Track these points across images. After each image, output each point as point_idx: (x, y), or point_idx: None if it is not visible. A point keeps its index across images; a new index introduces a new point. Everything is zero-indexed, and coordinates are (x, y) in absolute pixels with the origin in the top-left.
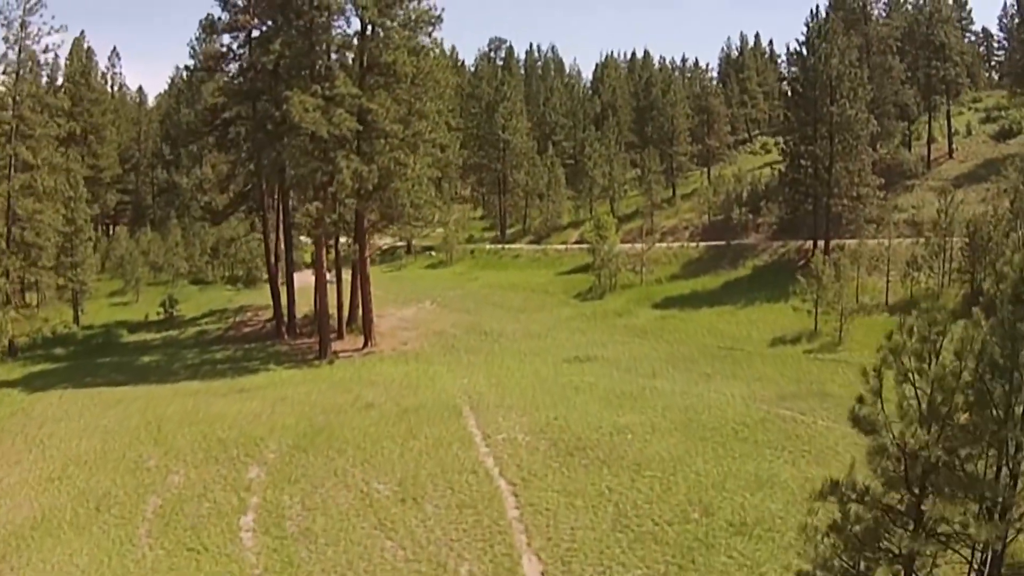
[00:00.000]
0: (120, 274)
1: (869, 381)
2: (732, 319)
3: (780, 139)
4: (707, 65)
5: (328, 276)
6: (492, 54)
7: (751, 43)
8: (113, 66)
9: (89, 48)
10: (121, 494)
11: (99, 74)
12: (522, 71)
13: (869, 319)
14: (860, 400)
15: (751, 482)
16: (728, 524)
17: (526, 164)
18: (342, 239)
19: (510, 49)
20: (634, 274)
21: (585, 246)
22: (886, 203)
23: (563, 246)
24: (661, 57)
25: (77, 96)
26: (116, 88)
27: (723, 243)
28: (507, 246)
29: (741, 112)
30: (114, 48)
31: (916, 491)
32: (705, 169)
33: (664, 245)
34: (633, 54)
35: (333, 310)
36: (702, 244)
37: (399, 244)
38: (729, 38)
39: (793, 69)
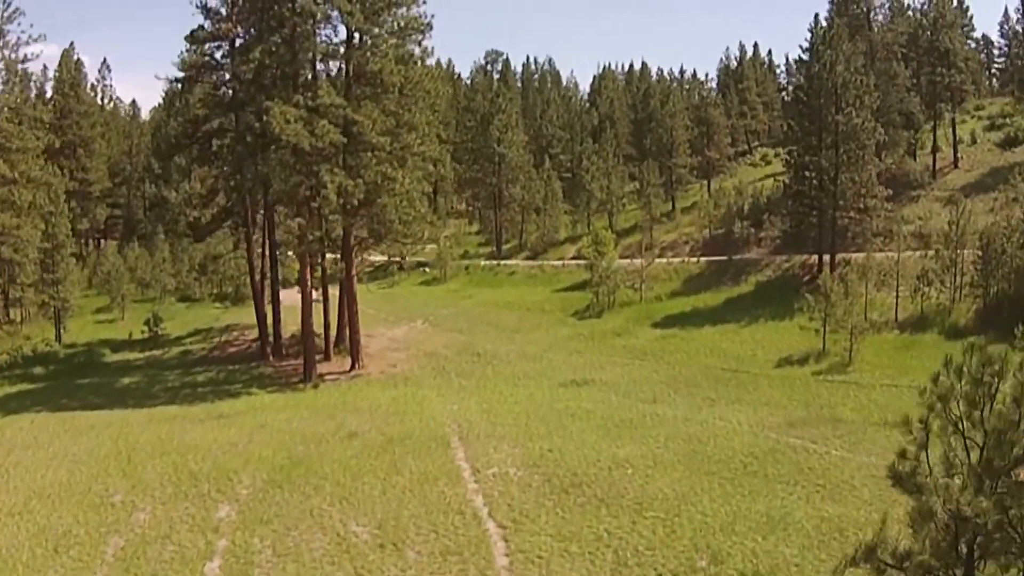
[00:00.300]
0: (107, 291)
1: (913, 432)
2: (736, 338)
3: (782, 150)
4: (706, 76)
5: (315, 295)
6: (488, 67)
7: (750, 53)
8: (104, 78)
9: (78, 60)
10: (82, 533)
11: (89, 86)
12: (519, 84)
13: (879, 337)
14: (902, 455)
15: (762, 523)
16: (739, 574)
17: (522, 178)
18: (329, 256)
19: (506, 62)
20: (633, 291)
21: (582, 262)
22: (893, 215)
23: (560, 262)
24: (659, 68)
25: (65, 108)
26: (107, 100)
27: (724, 258)
28: (503, 262)
29: (740, 123)
30: (104, 60)
31: (966, 558)
32: (705, 182)
33: (664, 261)
34: (631, 66)
35: (320, 330)
36: (703, 259)
37: (393, 260)
38: (728, 48)
39: (796, 78)
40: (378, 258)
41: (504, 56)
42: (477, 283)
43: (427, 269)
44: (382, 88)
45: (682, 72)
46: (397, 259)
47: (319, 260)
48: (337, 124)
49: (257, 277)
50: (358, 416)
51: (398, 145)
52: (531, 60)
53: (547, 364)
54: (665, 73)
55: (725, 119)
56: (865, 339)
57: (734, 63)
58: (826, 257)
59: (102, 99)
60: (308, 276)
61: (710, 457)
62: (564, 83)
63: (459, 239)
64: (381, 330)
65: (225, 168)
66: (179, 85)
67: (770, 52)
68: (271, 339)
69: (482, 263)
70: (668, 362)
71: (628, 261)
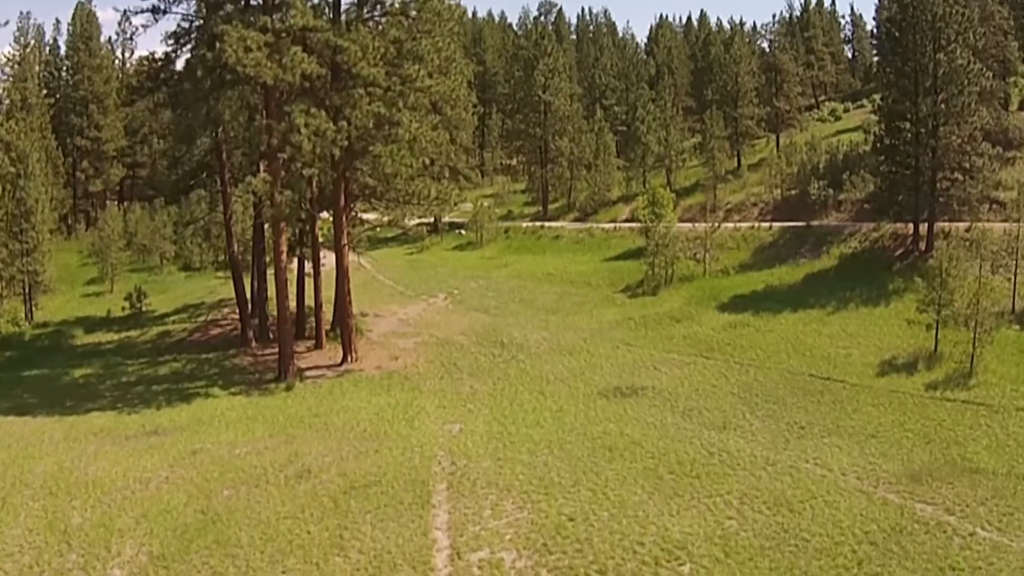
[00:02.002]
0: (99, 260)
1: None
2: (822, 330)
3: (851, 105)
4: (772, 17)
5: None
6: (543, 18)
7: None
8: (124, 31)
9: (90, 12)
10: None
11: (106, 39)
12: (573, 36)
13: (997, 334)
14: None
15: None
16: None
17: (571, 130)
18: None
19: (560, 12)
20: (695, 263)
21: (637, 225)
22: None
23: (611, 225)
24: (718, 19)
25: (78, 63)
26: (128, 54)
27: (801, 224)
28: (547, 224)
29: (808, 75)
30: (124, 12)
31: None
32: (773, 136)
33: (730, 226)
34: (688, 18)
35: (315, 312)
36: (775, 225)
37: (424, 221)
38: None
39: (887, 10)
40: (417, 221)
41: (558, 6)
42: (517, 248)
43: (462, 232)
44: (380, 7)
45: (742, 23)
46: (432, 219)
47: (307, 226)
48: (317, 52)
49: (234, 247)
50: (324, 440)
51: (397, 80)
52: (586, 11)
53: (586, 361)
54: (725, 24)
55: (794, 66)
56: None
57: (797, 11)
58: (923, 227)
59: (122, 53)
60: (282, 246)
61: (806, 541)
62: (620, 35)
63: (503, 198)
64: (393, 307)
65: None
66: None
67: (834, 2)
68: (258, 320)
69: (524, 225)
70: (740, 362)
71: (689, 226)
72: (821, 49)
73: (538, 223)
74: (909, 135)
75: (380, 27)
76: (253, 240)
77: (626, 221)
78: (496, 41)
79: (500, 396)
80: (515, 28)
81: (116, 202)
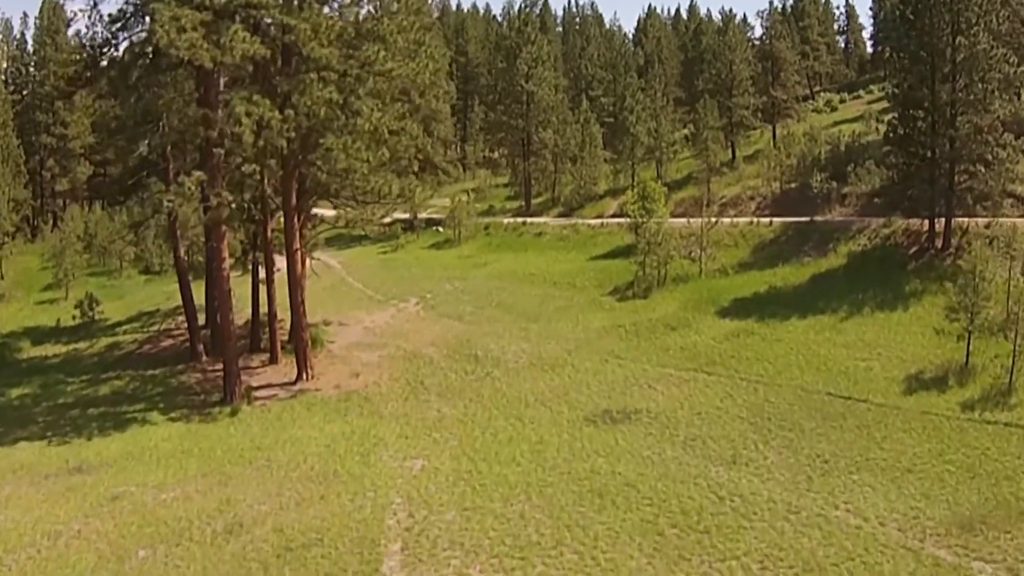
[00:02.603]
0: (55, 264)
1: None
2: (836, 339)
3: (847, 95)
4: (769, 3)
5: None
6: (528, 9)
7: None
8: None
9: (57, 6)
10: None
11: (73, 34)
12: (559, 29)
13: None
14: None
15: None
16: None
17: (555, 121)
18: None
19: (546, 3)
20: (691, 262)
21: (625, 221)
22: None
23: (598, 220)
24: (708, 10)
25: (44, 58)
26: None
27: (804, 220)
28: (530, 220)
29: (803, 65)
30: (94, 3)
31: None
32: (768, 127)
33: (727, 221)
34: (677, 10)
35: (269, 323)
36: (776, 220)
37: (400, 218)
38: None
39: None
40: (390, 219)
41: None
42: (497, 247)
43: (439, 229)
44: None
45: (732, 13)
46: (410, 215)
47: (258, 229)
48: (263, 33)
49: (181, 251)
50: (263, 481)
51: (355, 63)
52: (572, 3)
53: (571, 377)
54: (715, 15)
55: (792, 54)
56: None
57: (790, 1)
58: (938, 223)
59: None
60: (223, 253)
61: None
62: (608, 26)
63: (484, 192)
64: (360, 314)
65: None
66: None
67: None
68: (210, 332)
69: (505, 222)
70: (746, 378)
71: (683, 221)
72: (816, 39)
73: (520, 219)
74: (924, 124)
75: (339, 7)
76: (205, 242)
77: (614, 216)
78: (479, 32)
79: (471, 423)
80: (499, 19)
81: (83, 202)
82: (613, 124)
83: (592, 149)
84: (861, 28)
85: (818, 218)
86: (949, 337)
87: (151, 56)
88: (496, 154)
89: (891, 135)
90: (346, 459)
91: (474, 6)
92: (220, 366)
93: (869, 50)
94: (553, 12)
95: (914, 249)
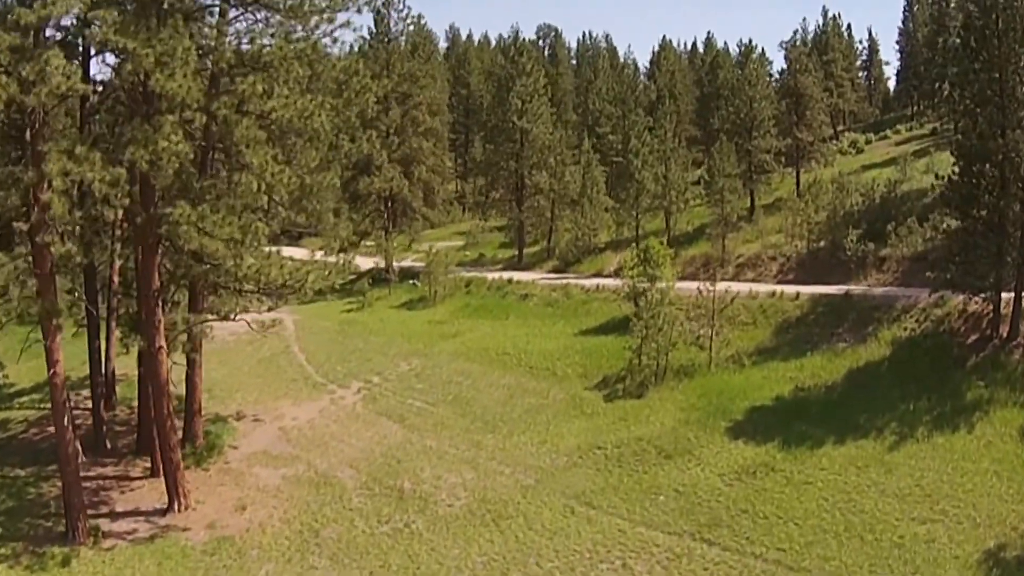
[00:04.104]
0: None
1: None
2: (884, 482)
3: (874, 136)
4: (794, 33)
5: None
6: (540, 42)
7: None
8: None
9: None
10: None
11: None
12: (573, 62)
13: None
14: None
15: None
16: None
17: (552, 162)
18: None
19: (559, 36)
20: (698, 348)
21: (625, 284)
22: None
23: (594, 281)
24: (725, 43)
25: None
26: None
27: (837, 291)
28: (517, 278)
29: (828, 102)
30: None
31: None
32: (792, 171)
33: (744, 289)
34: (694, 43)
35: (147, 425)
36: (803, 292)
37: (375, 266)
38: (805, 19)
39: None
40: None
41: (557, 30)
42: (475, 310)
43: (417, 283)
44: None
45: (751, 45)
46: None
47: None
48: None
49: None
50: None
51: (229, 100)
52: (586, 35)
53: (518, 539)
54: (732, 47)
55: (819, 90)
56: None
57: (811, 34)
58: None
59: None
60: (56, 345)
61: None
62: (621, 59)
63: (476, 238)
64: (285, 404)
65: None
66: None
67: (849, 27)
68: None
69: (489, 278)
70: (762, 554)
71: (691, 287)
72: (841, 74)
73: (508, 275)
74: (991, 180)
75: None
76: (86, 311)
77: (613, 274)
78: (486, 63)
79: None
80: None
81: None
82: (621, 165)
83: (594, 195)
84: (883, 63)
85: (853, 288)
86: None
87: None
88: (488, 198)
89: (947, 192)
90: None
91: (485, 36)
92: (109, 469)
93: (892, 85)
94: (566, 44)
95: (974, 338)
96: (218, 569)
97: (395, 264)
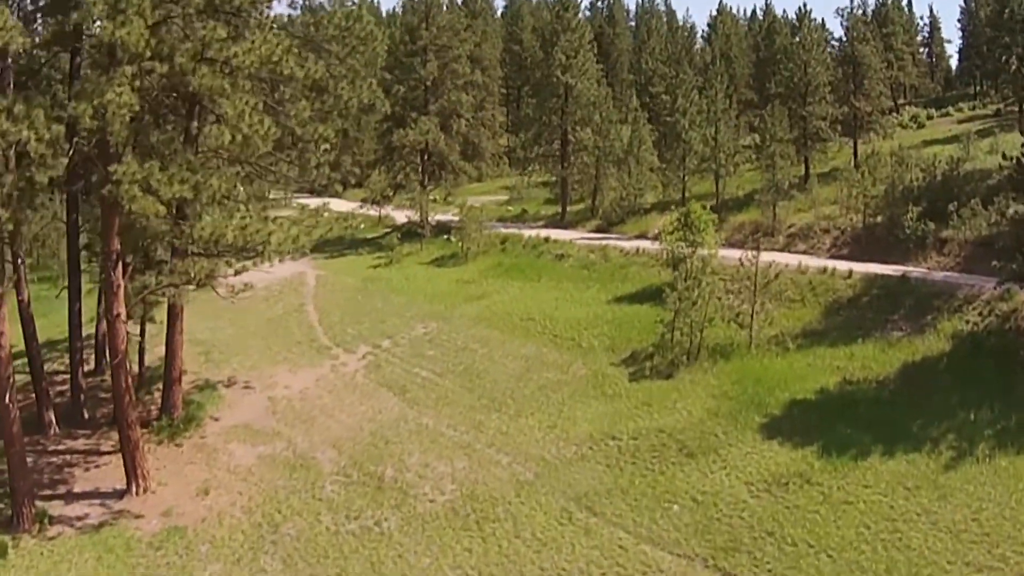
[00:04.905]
0: None
1: None
2: (937, 511)
3: (935, 112)
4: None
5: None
6: (599, 3)
7: None
8: None
9: None
10: None
11: None
12: (631, 24)
13: None
14: None
15: None
16: None
17: (597, 119)
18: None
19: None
20: (737, 326)
21: (663, 247)
22: None
23: (636, 243)
24: (783, 10)
25: None
26: None
27: (894, 273)
28: (554, 238)
29: (887, 75)
30: None
31: None
32: (849, 141)
33: (794, 261)
34: (753, 10)
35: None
36: (856, 271)
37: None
38: None
39: None
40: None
41: None
42: (507, 269)
43: (450, 238)
44: None
45: (808, 11)
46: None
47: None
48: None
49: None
50: None
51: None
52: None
53: (503, 550)
54: (791, 14)
55: (878, 60)
56: None
57: (870, 6)
58: None
59: None
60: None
61: None
62: (680, 22)
63: (520, 193)
64: (281, 371)
65: None
66: None
67: (909, 3)
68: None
69: (526, 235)
70: None
71: (738, 257)
72: (901, 48)
73: (545, 234)
74: None
75: None
76: (69, 270)
77: (656, 237)
78: (539, 20)
79: None
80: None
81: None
82: (671, 125)
83: (641, 154)
84: (944, 41)
85: (912, 271)
86: None
87: None
88: (531, 153)
89: (1016, 176)
90: None
91: None
92: (67, 444)
93: (954, 64)
94: (625, 5)
95: None
96: (160, 568)
97: (432, 218)
